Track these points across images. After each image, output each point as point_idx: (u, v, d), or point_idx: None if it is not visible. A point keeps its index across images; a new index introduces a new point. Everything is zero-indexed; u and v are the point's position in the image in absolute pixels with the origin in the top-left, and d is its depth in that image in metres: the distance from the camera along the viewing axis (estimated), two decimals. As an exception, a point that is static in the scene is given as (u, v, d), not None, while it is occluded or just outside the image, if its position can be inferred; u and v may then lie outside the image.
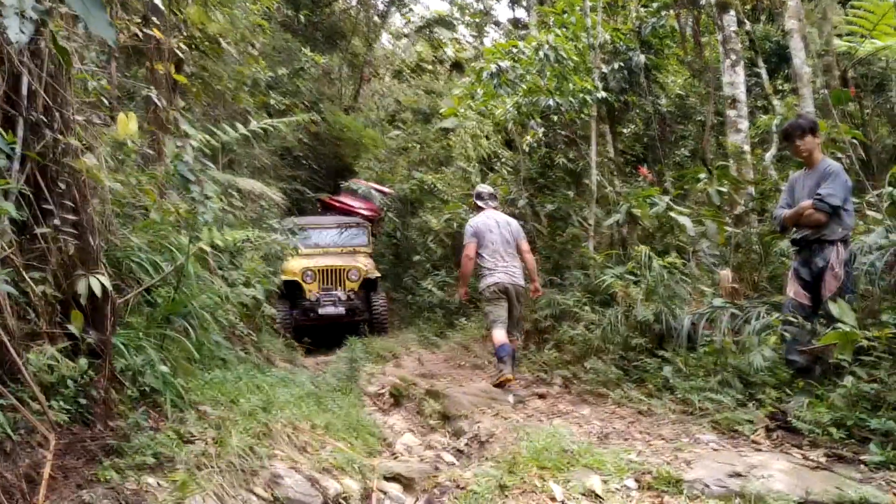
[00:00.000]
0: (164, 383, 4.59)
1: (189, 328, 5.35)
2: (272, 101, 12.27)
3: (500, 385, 6.25)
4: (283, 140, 13.60)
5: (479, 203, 7.41)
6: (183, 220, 5.77)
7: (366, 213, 14.03)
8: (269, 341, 9.04)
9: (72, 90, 4.54)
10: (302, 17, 17.87)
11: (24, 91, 4.03)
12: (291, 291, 12.32)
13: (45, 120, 4.13)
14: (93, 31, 2.85)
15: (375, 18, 25.95)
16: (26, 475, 3.12)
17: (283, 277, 11.53)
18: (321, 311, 12.07)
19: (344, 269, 12.65)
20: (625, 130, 11.69)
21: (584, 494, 3.20)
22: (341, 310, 12.12)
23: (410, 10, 27.15)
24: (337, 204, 14.74)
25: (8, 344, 3.58)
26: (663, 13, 10.87)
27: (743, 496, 3.07)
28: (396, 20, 28.65)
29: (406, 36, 28.43)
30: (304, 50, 15.87)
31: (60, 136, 4.15)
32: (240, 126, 9.29)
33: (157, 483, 3.36)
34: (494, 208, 7.46)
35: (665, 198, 7.57)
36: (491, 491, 3.32)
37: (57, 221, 4.04)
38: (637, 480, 3.39)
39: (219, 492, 3.59)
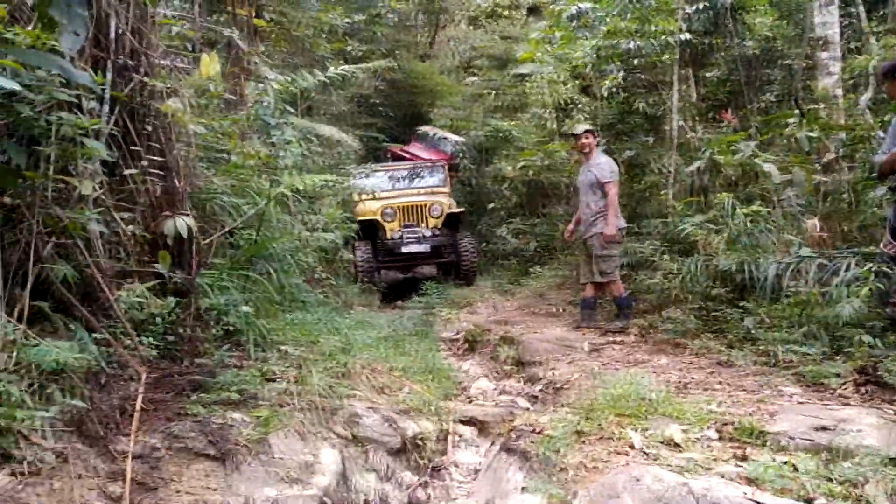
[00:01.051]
0: (246, 323, 4.71)
1: (270, 270, 5.46)
2: (349, 48, 12.26)
3: (618, 331, 6.36)
4: (360, 87, 13.63)
5: (595, 140, 7.19)
6: (264, 165, 5.84)
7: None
8: (347, 286, 9.19)
9: (157, 34, 4.62)
10: (378, -38, 17.70)
11: (112, 34, 4.11)
12: (370, 233, 11.62)
13: (132, 63, 4.22)
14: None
15: (451, -37, 25.49)
16: (119, 407, 3.26)
17: (360, 219, 11.08)
18: (405, 248, 11.39)
19: (425, 206, 11.97)
20: (708, 74, 11.21)
21: (663, 443, 3.15)
22: (426, 246, 11.46)
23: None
24: (407, 156, 14.57)
25: (101, 281, 3.73)
26: (752, -51, 10.32)
27: (830, 450, 2.97)
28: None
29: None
30: (380, -4, 15.75)
31: (147, 79, 4.23)
32: (318, 72, 9.37)
33: (242, 418, 3.46)
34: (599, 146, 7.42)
35: (750, 144, 7.26)
36: (567, 436, 3.31)
37: (144, 163, 4.14)
38: (718, 431, 3.32)
39: (300, 429, 3.69)
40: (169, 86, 4.63)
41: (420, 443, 4.20)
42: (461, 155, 14.03)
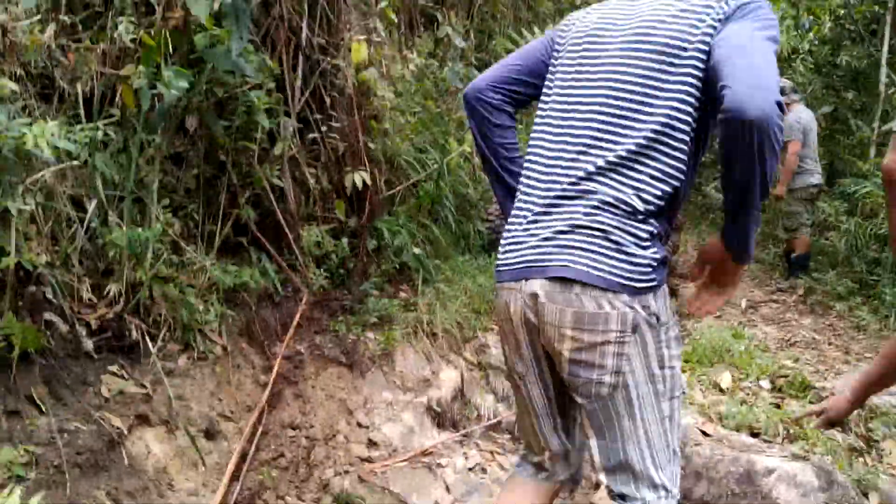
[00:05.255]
0: (417, 262, 5.53)
1: (449, 218, 6.23)
2: (577, 3, 12.45)
3: (787, 290, 6.32)
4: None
5: (786, 99, 7.03)
6: (448, 123, 6.57)
7: None
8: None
9: (346, 11, 5.47)
10: None
11: (305, 21, 5.03)
12: None
13: (324, 41, 5.13)
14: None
15: None
16: (282, 320, 4.24)
17: None
18: None
19: None
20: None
21: (707, 387, 3.43)
22: None
23: None
24: None
25: (285, 223, 4.74)
26: None
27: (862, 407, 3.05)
28: None
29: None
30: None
31: (334, 60, 5.12)
32: (536, 30, 9.85)
33: (375, 337, 4.29)
34: (797, 102, 7.13)
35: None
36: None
37: (324, 128, 5.06)
38: (772, 382, 3.50)
39: (426, 351, 4.44)
40: (365, 57, 5.51)
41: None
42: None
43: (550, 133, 1.82)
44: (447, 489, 3.47)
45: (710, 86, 1.59)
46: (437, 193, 5.97)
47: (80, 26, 3.38)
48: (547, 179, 1.76)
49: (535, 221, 1.75)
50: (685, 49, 1.64)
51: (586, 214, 1.65)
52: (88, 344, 3.08)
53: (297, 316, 4.25)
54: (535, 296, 1.69)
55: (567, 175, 1.72)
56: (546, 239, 1.70)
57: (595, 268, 1.62)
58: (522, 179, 1.86)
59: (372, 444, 3.72)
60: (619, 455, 1.74)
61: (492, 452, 3.93)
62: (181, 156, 4.40)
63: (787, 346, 4.32)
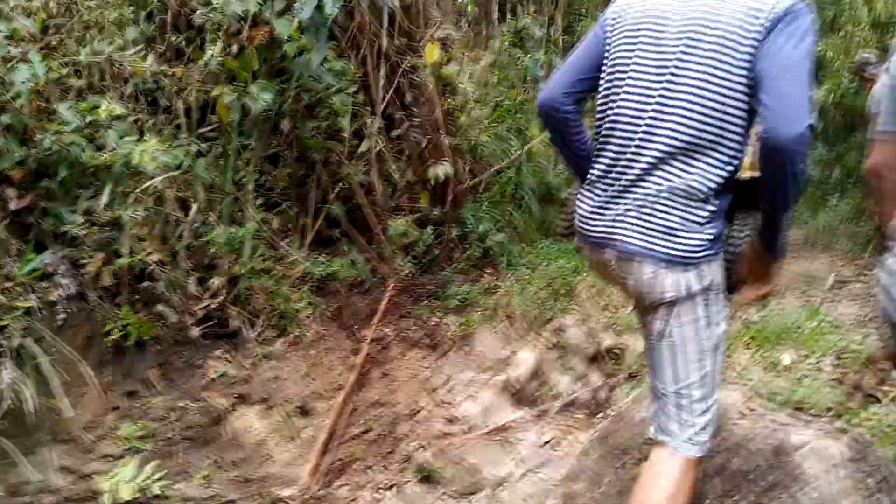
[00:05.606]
0: (501, 247, 5.77)
1: (532, 205, 6.43)
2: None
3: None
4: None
5: (871, 70, 6.81)
6: (529, 111, 6.73)
7: None
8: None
9: (424, 12, 5.71)
10: None
11: (385, 25, 5.32)
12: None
13: (402, 44, 5.40)
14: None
15: None
16: (371, 307, 4.57)
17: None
18: None
19: None
20: None
21: (768, 366, 3.51)
22: None
23: None
24: None
25: (373, 216, 5.07)
26: None
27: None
28: None
29: None
30: None
31: (410, 56, 5.39)
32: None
33: (454, 320, 4.56)
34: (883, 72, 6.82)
35: None
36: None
37: (405, 125, 5.34)
38: (837, 358, 3.53)
39: (506, 332, 4.68)
40: (447, 54, 5.77)
41: (616, 353, 4.91)
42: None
43: (620, 120, 1.97)
44: (521, 461, 3.71)
45: (756, 84, 1.76)
46: (518, 180, 6.17)
47: (177, 51, 3.79)
48: (620, 163, 1.96)
49: (610, 200, 1.98)
50: (741, 44, 1.78)
51: (652, 199, 1.88)
52: (195, 332, 3.49)
53: (384, 302, 4.57)
54: (609, 262, 2.00)
55: (637, 160, 1.92)
56: (618, 216, 1.95)
57: (651, 245, 1.88)
58: (597, 158, 2.05)
59: (452, 420, 4.00)
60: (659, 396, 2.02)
61: (567, 428, 4.13)
62: (277, 156, 4.80)
63: (864, 323, 4.30)
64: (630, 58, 1.98)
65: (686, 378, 1.96)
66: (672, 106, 1.87)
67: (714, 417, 2.01)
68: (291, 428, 3.50)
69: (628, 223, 1.92)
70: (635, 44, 1.97)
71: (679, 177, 1.86)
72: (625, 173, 1.94)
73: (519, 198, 6.32)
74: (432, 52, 4.82)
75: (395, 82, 5.38)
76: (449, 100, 5.84)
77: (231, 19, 3.46)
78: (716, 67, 1.81)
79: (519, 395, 4.36)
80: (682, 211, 1.86)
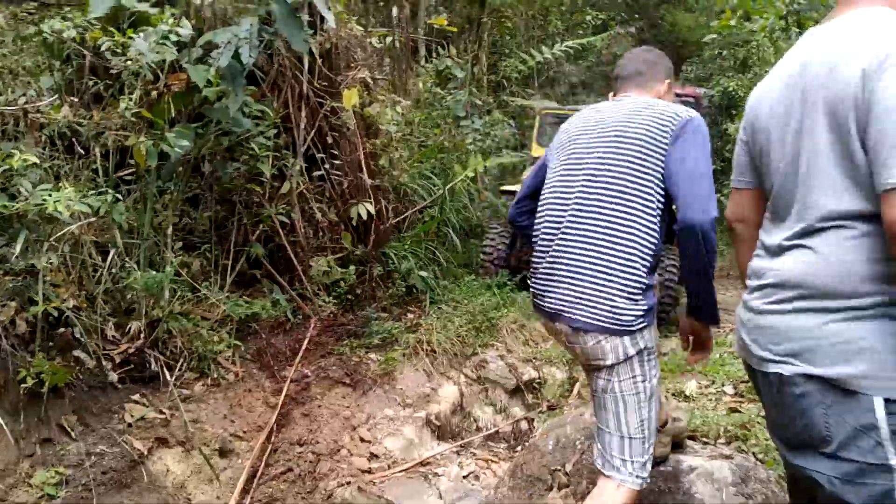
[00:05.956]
0: (425, 284, 5.90)
1: (455, 240, 6.60)
2: (588, 18, 12.78)
3: None
4: (601, 55, 14.01)
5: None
6: (456, 150, 6.94)
7: None
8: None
9: (346, 55, 5.86)
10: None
11: (306, 65, 5.43)
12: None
13: (321, 87, 5.53)
14: (293, 47, 4.01)
15: None
16: (292, 347, 4.62)
17: (504, 189, 7.85)
18: None
19: None
20: None
21: (671, 396, 3.72)
22: None
23: None
24: None
25: (293, 255, 5.14)
26: None
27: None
28: None
29: None
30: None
31: (331, 99, 5.52)
32: (545, 49, 10.19)
33: (377, 358, 4.65)
34: None
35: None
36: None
37: (327, 166, 5.46)
38: (735, 387, 3.77)
39: (427, 369, 4.79)
40: (370, 96, 5.93)
41: (536, 386, 5.07)
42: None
43: (554, 209, 2.37)
44: (440, 495, 3.80)
45: (668, 181, 2.18)
46: (441, 218, 6.33)
47: (95, 96, 3.84)
48: (551, 249, 2.34)
49: (551, 281, 2.34)
50: (656, 145, 2.18)
51: (592, 278, 2.22)
52: (113, 376, 3.49)
53: (306, 341, 4.63)
54: (560, 331, 2.34)
55: (565, 245, 2.29)
56: (563, 294, 2.29)
57: (593, 318, 2.20)
58: (536, 246, 2.44)
59: (374, 456, 4.07)
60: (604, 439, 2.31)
61: (487, 461, 4.25)
62: (197, 198, 4.84)
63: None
64: (559, 162, 2.44)
65: (627, 424, 2.25)
66: (592, 197, 2.27)
67: (650, 456, 2.29)
68: (211, 470, 3.52)
69: (574, 300, 2.25)
70: (568, 150, 2.42)
71: (613, 255, 2.20)
72: (559, 259, 2.31)
73: (442, 235, 6.47)
74: (350, 97, 4.95)
75: (317, 124, 5.50)
76: (372, 141, 5.98)
77: (146, 69, 3.53)
78: (637, 162, 2.22)
79: (441, 430, 4.46)
80: (618, 288, 2.18)
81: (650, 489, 2.53)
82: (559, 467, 2.92)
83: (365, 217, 5.52)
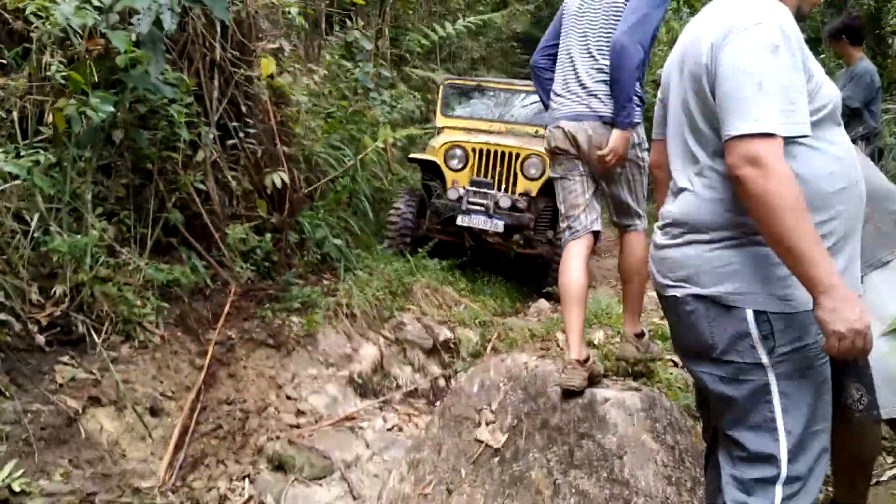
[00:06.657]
0: (339, 252, 6.05)
1: (368, 210, 6.77)
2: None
3: None
4: (501, 32, 14.40)
5: None
6: (366, 121, 7.09)
7: None
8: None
9: (255, 26, 5.90)
10: None
11: (218, 37, 5.47)
12: (428, 182, 7.63)
13: (236, 55, 5.57)
14: (215, 14, 4.07)
15: None
16: (214, 312, 4.70)
17: (413, 156, 7.93)
18: (462, 220, 6.92)
19: (517, 155, 7.21)
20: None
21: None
22: (497, 223, 6.84)
23: None
24: None
25: (209, 223, 5.19)
26: None
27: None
28: None
29: None
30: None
31: (244, 68, 5.57)
32: (447, 25, 10.41)
33: (298, 321, 4.79)
34: None
35: None
36: (525, 337, 4.32)
37: (242, 135, 5.51)
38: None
39: (347, 331, 4.97)
40: (281, 66, 5.99)
41: (452, 346, 5.35)
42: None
43: (565, 62, 3.54)
44: (367, 445, 4.02)
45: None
46: (353, 188, 6.48)
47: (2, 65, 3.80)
48: (570, 84, 3.53)
49: (566, 97, 3.52)
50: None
51: (589, 95, 3.43)
52: (40, 339, 3.51)
53: (227, 306, 4.72)
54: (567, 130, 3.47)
55: (579, 82, 3.46)
56: (571, 101, 3.50)
57: (594, 113, 3.38)
58: (556, 80, 3.62)
59: (300, 413, 4.24)
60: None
61: (408, 415, 4.49)
62: (110, 167, 4.81)
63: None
64: (570, 24, 3.58)
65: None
66: (592, 46, 3.44)
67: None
68: (143, 428, 3.61)
69: (579, 102, 3.54)
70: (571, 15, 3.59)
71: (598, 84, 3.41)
72: (574, 90, 3.50)
73: (355, 205, 6.63)
74: (268, 66, 5.03)
75: (230, 94, 5.54)
76: (283, 110, 6.06)
77: (71, 34, 3.53)
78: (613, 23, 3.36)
79: (363, 388, 4.67)
80: (608, 101, 3.41)
81: (570, 419, 2.84)
82: (485, 406, 3.20)
83: (279, 186, 5.62)
